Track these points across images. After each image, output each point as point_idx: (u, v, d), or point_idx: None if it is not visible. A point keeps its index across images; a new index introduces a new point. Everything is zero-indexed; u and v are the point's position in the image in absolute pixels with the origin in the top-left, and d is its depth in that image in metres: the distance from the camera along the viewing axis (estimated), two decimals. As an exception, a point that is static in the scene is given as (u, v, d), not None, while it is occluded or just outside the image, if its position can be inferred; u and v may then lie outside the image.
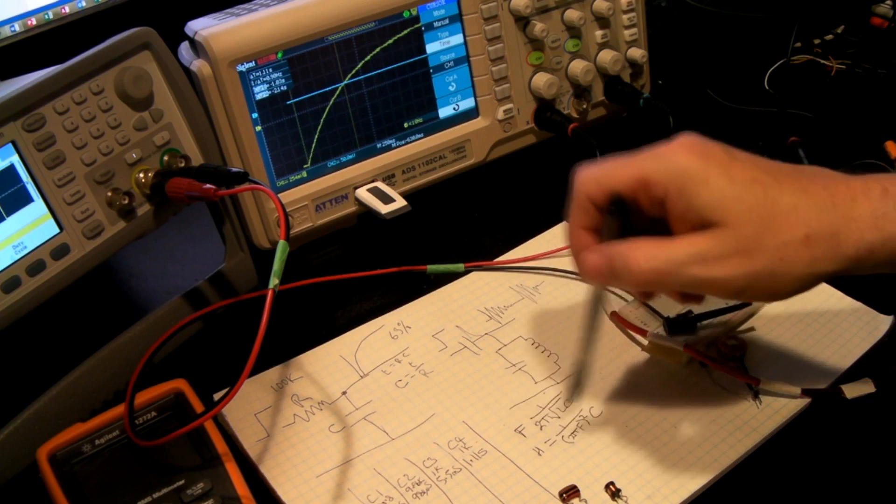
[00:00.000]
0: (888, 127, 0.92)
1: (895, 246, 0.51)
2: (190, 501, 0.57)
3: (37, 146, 0.62)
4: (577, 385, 0.63)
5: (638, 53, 0.91)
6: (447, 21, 0.82)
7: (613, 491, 0.59)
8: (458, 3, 0.82)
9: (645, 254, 0.53)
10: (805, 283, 0.52)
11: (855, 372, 0.66)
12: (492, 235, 0.85)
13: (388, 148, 0.82)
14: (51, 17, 0.83)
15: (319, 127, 0.78)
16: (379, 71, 0.80)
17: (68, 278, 0.64)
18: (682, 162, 0.52)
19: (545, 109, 0.88)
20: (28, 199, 0.62)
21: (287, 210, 0.74)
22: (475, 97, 0.85)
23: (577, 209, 0.57)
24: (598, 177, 0.56)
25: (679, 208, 0.53)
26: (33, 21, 0.82)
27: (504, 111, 0.86)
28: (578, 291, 0.76)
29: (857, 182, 0.53)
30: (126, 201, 0.66)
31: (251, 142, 0.75)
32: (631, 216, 0.55)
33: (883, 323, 0.70)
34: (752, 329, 0.71)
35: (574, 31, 0.88)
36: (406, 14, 0.80)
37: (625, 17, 0.90)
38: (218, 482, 0.58)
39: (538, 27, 0.84)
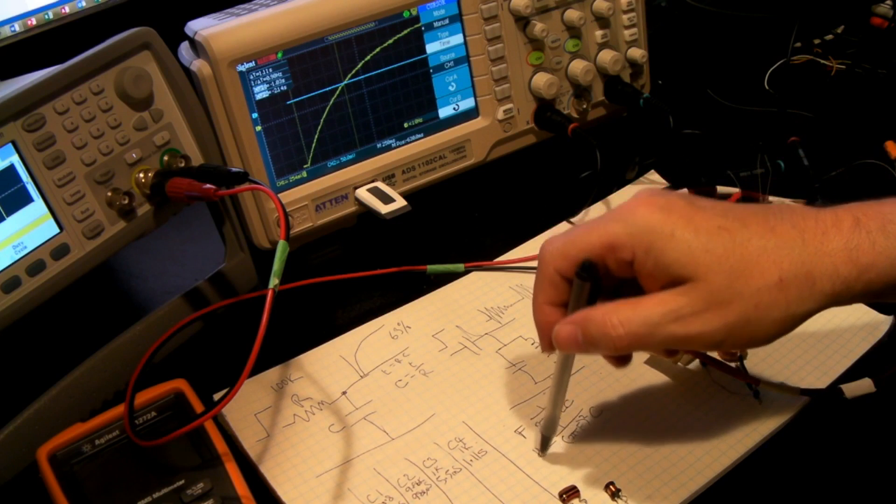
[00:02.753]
0: (888, 127, 0.92)
1: (872, 278, 0.50)
2: (190, 501, 0.57)
3: (37, 146, 0.62)
4: (547, 440, 0.62)
5: (638, 53, 0.91)
6: (447, 21, 0.82)
7: (613, 491, 0.59)
8: (458, 3, 0.82)
9: (620, 318, 0.51)
10: (784, 326, 0.51)
11: (855, 372, 0.66)
12: (492, 235, 0.85)
13: (388, 148, 0.82)
14: (51, 17, 0.83)
15: (319, 127, 0.78)
16: (379, 71, 0.80)
17: (68, 278, 0.64)
18: (644, 220, 0.51)
19: (545, 109, 0.88)
20: (28, 199, 0.62)
21: (287, 210, 0.74)
22: (475, 97, 0.85)
23: (545, 284, 0.55)
24: (563, 248, 0.54)
25: (648, 268, 0.51)
26: (33, 21, 0.82)
27: (504, 111, 0.86)
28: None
29: (827, 215, 0.52)
30: (126, 201, 0.66)
31: (251, 142, 0.75)
32: (601, 280, 0.54)
33: (883, 323, 0.70)
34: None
35: (574, 31, 0.88)
36: (406, 14, 0.80)
37: (625, 17, 0.90)
38: (218, 482, 0.58)
39: (538, 27, 0.84)
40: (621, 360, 0.58)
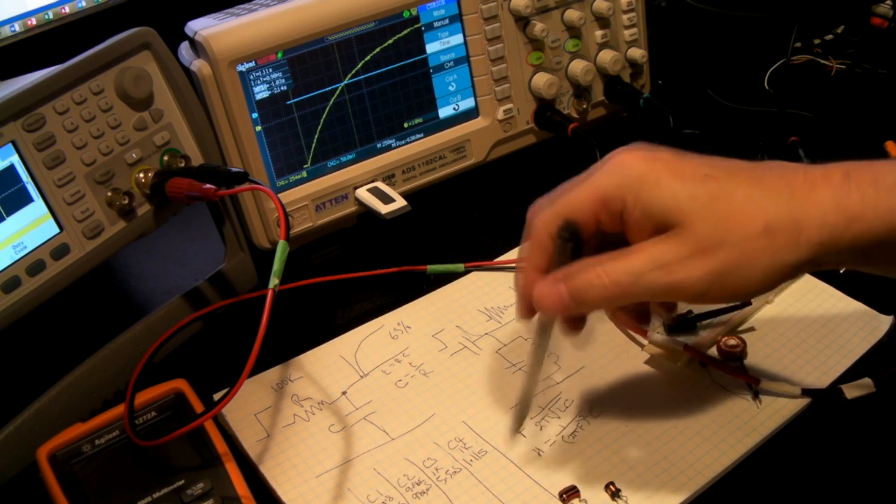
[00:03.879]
0: (888, 127, 0.92)
1: (861, 229, 0.48)
2: (190, 501, 0.57)
3: (37, 146, 0.62)
4: (520, 418, 0.62)
5: (638, 53, 0.91)
6: (447, 21, 0.82)
7: (613, 491, 0.59)
8: (458, 3, 0.82)
9: (604, 269, 0.51)
10: (770, 277, 0.50)
11: (855, 372, 0.66)
12: (492, 235, 0.85)
13: (388, 148, 0.82)
14: (51, 17, 0.83)
15: (319, 127, 0.78)
16: (379, 71, 0.80)
17: (68, 278, 0.64)
18: (631, 169, 0.51)
19: (545, 109, 0.88)
20: (28, 199, 0.62)
21: (287, 210, 0.74)
22: (475, 97, 0.85)
23: (536, 249, 0.55)
24: (555, 210, 0.54)
25: (635, 216, 0.51)
26: (33, 21, 0.82)
27: (504, 111, 0.86)
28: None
29: (817, 170, 0.50)
30: (126, 201, 0.66)
31: (251, 142, 0.75)
32: (583, 241, 0.53)
33: (883, 323, 0.70)
34: (752, 329, 0.71)
35: (574, 31, 0.88)
36: (406, 14, 0.80)
37: (625, 17, 0.90)
38: (218, 482, 0.58)
39: (538, 27, 0.84)
40: (575, 324, 0.57)
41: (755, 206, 0.49)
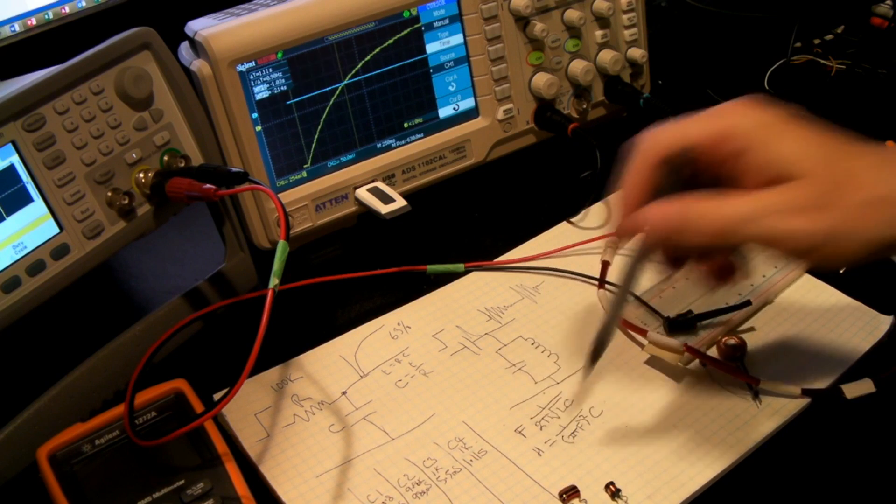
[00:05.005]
0: (888, 127, 0.92)
1: None
2: (190, 501, 0.57)
3: (37, 146, 0.62)
4: (598, 351, 0.59)
5: (638, 53, 0.91)
6: (447, 21, 0.82)
7: (613, 491, 0.59)
8: (458, 3, 0.82)
9: (720, 203, 0.51)
10: (872, 249, 0.50)
11: (855, 372, 0.66)
12: (492, 235, 0.85)
13: (388, 148, 0.82)
14: (51, 17, 0.83)
15: (319, 127, 0.78)
16: (379, 71, 0.80)
17: (68, 278, 0.64)
18: (763, 116, 0.52)
19: (545, 109, 0.88)
20: (28, 199, 0.62)
21: (287, 210, 0.75)
22: (475, 97, 0.85)
23: (646, 168, 0.54)
24: (674, 133, 0.54)
25: (758, 161, 0.51)
26: (33, 21, 0.82)
27: (504, 111, 0.86)
28: (578, 291, 0.77)
29: None
30: (126, 201, 0.66)
31: (251, 142, 0.75)
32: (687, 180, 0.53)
33: (883, 323, 0.70)
34: (752, 329, 0.71)
35: (574, 31, 0.88)
36: (406, 14, 0.80)
37: (625, 17, 0.90)
38: (218, 482, 0.58)
39: (538, 27, 0.84)
40: (674, 262, 0.57)
41: (877, 176, 0.50)
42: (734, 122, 0.53)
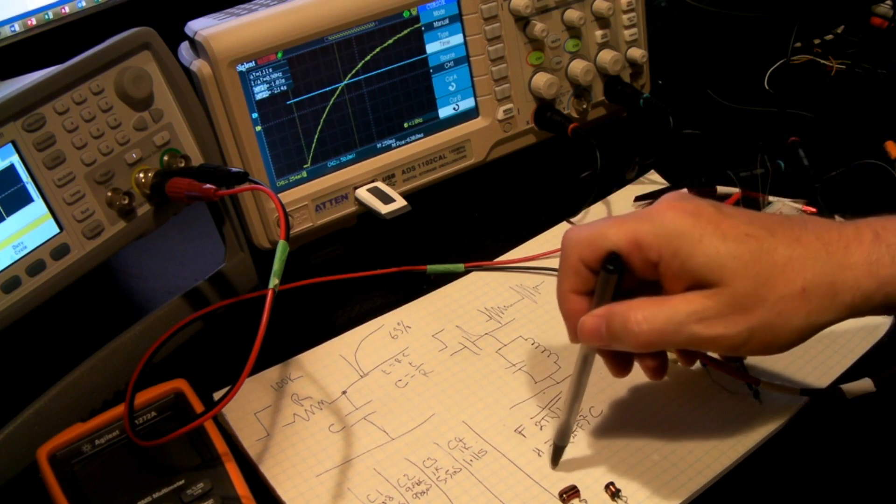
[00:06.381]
0: (888, 127, 0.92)
1: (890, 291, 0.51)
2: (190, 501, 0.57)
3: (37, 146, 0.62)
4: (560, 451, 0.61)
5: (638, 53, 0.91)
6: (447, 21, 0.82)
7: (613, 491, 0.59)
8: (458, 3, 0.82)
9: (645, 314, 0.52)
10: (803, 335, 0.52)
11: (855, 372, 0.66)
12: (492, 235, 0.85)
13: (388, 148, 0.82)
14: (51, 17, 0.83)
15: (319, 127, 0.78)
16: (379, 71, 0.80)
17: (68, 278, 0.64)
18: (673, 223, 0.52)
19: (545, 109, 0.88)
20: (28, 199, 0.62)
21: (287, 210, 0.75)
22: (475, 97, 0.85)
23: (569, 273, 0.56)
24: (590, 238, 0.55)
25: (673, 269, 0.52)
26: (33, 21, 0.82)
27: (504, 111, 0.86)
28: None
29: (849, 228, 0.53)
30: (126, 201, 0.66)
31: (251, 142, 0.75)
32: (625, 275, 0.54)
33: (883, 323, 0.70)
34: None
35: (574, 31, 0.88)
36: (406, 14, 0.80)
37: (625, 17, 0.90)
38: (218, 482, 0.58)
39: (538, 27, 0.84)
40: (622, 367, 0.59)
41: (793, 267, 0.51)
42: (644, 230, 0.53)
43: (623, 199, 0.87)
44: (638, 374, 0.68)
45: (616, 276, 0.54)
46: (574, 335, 0.57)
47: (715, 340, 0.52)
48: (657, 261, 0.53)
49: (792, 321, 0.51)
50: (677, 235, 0.52)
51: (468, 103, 0.85)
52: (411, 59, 0.81)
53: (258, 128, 0.76)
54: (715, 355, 0.67)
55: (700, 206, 0.53)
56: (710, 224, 0.52)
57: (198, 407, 0.63)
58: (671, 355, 0.67)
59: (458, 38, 0.83)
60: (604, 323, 0.54)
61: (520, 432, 0.64)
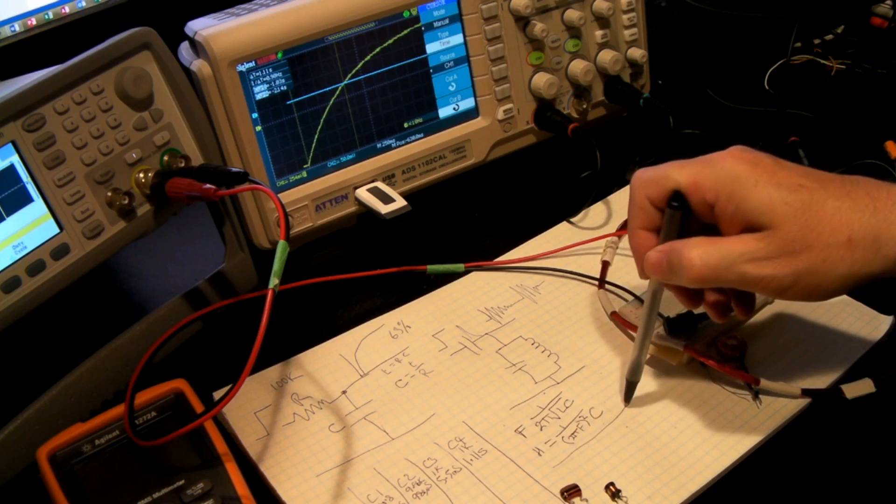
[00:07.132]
0: (888, 127, 0.92)
1: None
2: (190, 501, 0.57)
3: (37, 146, 0.62)
4: (632, 387, 0.65)
5: (638, 53, 0.91)
6: (447, 21, 0.82)
7: (613, 491, 0.59)
8: (458, 3, 0.82)
9: (700, 252, 0.56)
10: (846, 283, 0.55)
11: (855, 372, 0.66)
12: (492, 235, 0.85)
13: (388, 148, 0.82)
14: (51, 17, 0.83)
15: (319, 127, 0.78)
16: (379, 71, 0.80)
17: (68, 278, 0.64)
18: (731, 168, 0.56)
19: (545, 109, 0.88)
20: (28, 199, 0.62)
21: (287, 210, 0.75)
22: (475, 97, 0.85)
23: (637, 210, 0.60)
24: (655, 177, 0.58)
25: (729, 212, 0.56)
26: (33, 21, 0.82)
27: (504, 111, 0.86)
28: (578, 291, 0.77)
29: None
30: (126, 201, 0.66)
31: (251, 142, 0.75)
32: (690, 210, 0.58)
33: (883, 323, 0.70)
34: (752, 329, 0.70)
35: (574, 31, 0.88)
36: (406, 14, 0.80)
37: (625, 17, 0.90)
38: (218, 482, 0.58)
39: (538, 27, 0.84)
40: (692, 300, 0.62)
41: (841, 217, 0.54)
42: (704, 174, 0.57)
43: (623, 200, 0.87)
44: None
45: (680, 212, 0.57)
46: (642, 270, 0.60)
47: (763, 280, 0.55)
48: (714, 202, 0.56)
49: (836, 269, 0.54)
50: (734, 179, 0.55)
51: (468, 103, 0.85)
52: (411, 59, 0.81)
53: (258, 128, 0.76)
54: (714, 355, 0.67)
55: (759, 156, 0.56)
56: (765, 172, 0.55)
57: (198, 407, 0.63)
58: (676, 360, 0.68)
59: (458, 38, 0.83)
60: (665, 258, 0.58)
61: (520, 432, 0.64)
